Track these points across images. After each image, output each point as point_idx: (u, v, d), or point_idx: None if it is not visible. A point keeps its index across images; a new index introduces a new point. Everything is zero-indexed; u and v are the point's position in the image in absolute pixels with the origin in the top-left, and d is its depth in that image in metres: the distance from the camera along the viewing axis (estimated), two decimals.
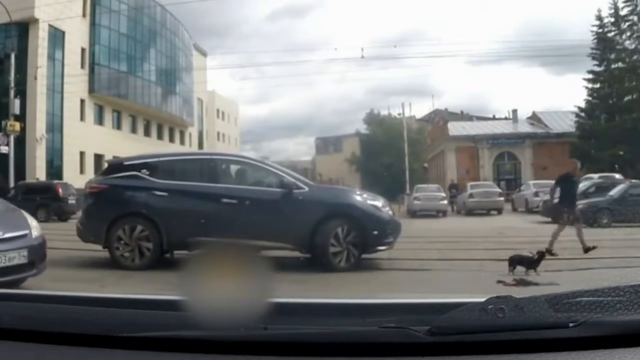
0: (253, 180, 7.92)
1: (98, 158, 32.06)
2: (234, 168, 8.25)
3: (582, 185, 19.39)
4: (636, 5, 35.27)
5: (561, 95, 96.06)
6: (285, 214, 7.29)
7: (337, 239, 7.17)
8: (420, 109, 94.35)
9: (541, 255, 6.36)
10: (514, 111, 44.70)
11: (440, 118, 50.54)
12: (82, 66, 34.41)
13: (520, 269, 6.33)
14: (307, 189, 7.54)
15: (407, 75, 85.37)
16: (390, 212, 8.06)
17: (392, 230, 7.62)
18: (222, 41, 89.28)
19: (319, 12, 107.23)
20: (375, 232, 7.32)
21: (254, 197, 7.35)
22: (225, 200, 7.24)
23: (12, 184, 22.58)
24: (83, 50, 34.49)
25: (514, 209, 24.60)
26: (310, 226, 7.15)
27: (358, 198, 7.80)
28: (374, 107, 66.13)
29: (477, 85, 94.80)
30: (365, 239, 7.26)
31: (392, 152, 46.22)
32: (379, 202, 7.79)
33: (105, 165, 9.39)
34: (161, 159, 8.32)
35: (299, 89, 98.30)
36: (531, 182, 25.98)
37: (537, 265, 6.26)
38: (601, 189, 17.11)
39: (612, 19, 36.14)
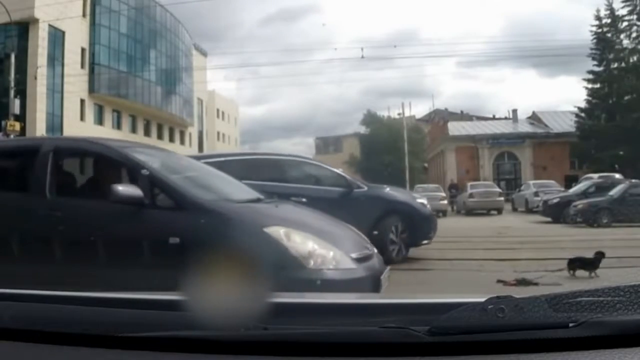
0: (319, 180, 8.31)
1: None
2: (300, 168, 8.67)
3: (582, 185, 19.53)
4: (635, 6, 35.29)
5: (556, 96, 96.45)
6: (349, 211, 7.38)
7: (394, 233, 7.72)
8: (418, 110, 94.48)
9: (600, 256, 6.13)
10: (514, 111, 44.77)
11: (440, 118, 50.55)
12: (82, 66, 34.43)
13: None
14: (366, 188, 8.25)
15: (405, 76, 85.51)
16: (430, 209, 8.96)
17: (433, 226, 8.51)
18: (220, 43, 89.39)
19: (317, 14, 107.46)
20: (423, 228, 8.13)
21: (322, 196, 7.52)
22: (294, 199, 7.40)
23: None
24: (83, 50, 34.50)
25: (514, 209, 24.62)
26: (372, 222, 7.35)
27: (409, 196, 8.87)
28: (372, 108, 66.06)
29: (473, 86, 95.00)
30: (415, 233, 7.96)
31: (392, 152, 46.21)
32: (424, 200, 8.86)
33: None
34: (229, 158, 8.35)
35: (296, 90, 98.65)
36: (531, 182, 26.03)
37: (597, 266, 6.07)
38: (601, 188, 17.13)
39: (609, 20, 36.17)
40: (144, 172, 3.74)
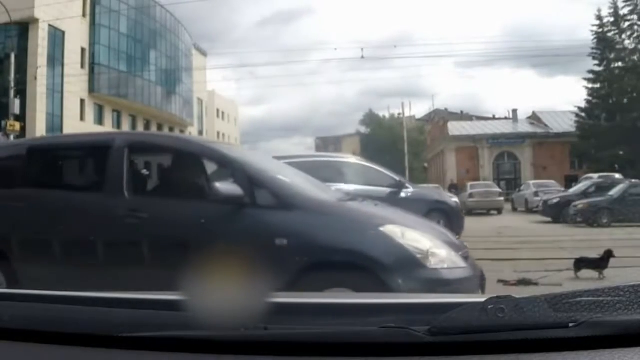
0: (373, 181, 8.88)
1: None
2: (356, 169, 9.35)
3: (582, 185, 19.53)
4: (636, 5, 35.26)
5: (554, 97, 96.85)
6: (400, 207, 7.58)
7: None
8: (418, 110, 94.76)
9: (608, 256, 6.05)
10: (514, 111, 44.70)
11: (440, 118, 50.51)
12: (82, 66, 34.40)
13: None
14: (412, 188, 9.15)
15: (404, 76, 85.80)
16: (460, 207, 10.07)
17: (462, 222, 9.56)
18: (219, 43, 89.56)
19: (317, 15, 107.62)
20: (457, 223, 8.91)
21: (376, 196, 7.81)
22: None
23: None
24: (83, 50, 34.48)
25: (514, 209, 24.62)
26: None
27: (446, 196, 10.05)
28: (371, 109, 66.17)
29: (473, 87, 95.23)
30: (452, 229, 8.22)
31: (393, 152, 46.24)
32: (456, 199, 10.30)
33: None
34: (289, 160, 8.51)
35: (295, 90, 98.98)
36: (531, 182, 26.02)
37: (606, 266, 6.01)
38: (601, 188, 17.13)
39: (612, 19, 36.18)
40: (243, 169, 3.48)
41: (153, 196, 3.85)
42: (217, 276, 1.01)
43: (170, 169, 4.05)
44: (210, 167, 3.97)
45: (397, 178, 9.07)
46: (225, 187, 3.31)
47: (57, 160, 4.30)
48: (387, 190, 8.51)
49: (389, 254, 3.13)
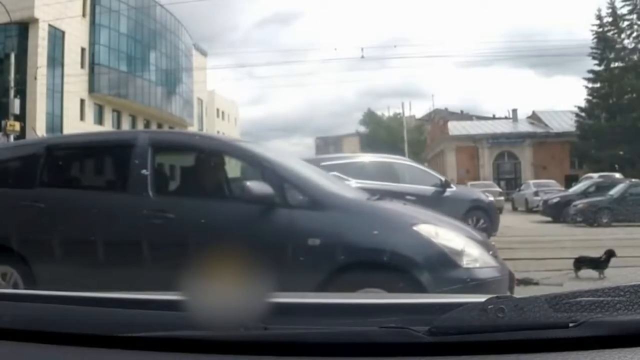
0: (422, 180, 9.47)
1: None
2: (407, 170, 9.84)
3: (582, 185, 19.53)
4: (635, 5, 35.26)
5: (553, 96, 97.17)
6: (443, 207, 7.66)
7: (475, 226, 8.65)
8: (418, 110, 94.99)
9: (609, 256, 6.03)
10: (514, 111, 44.69)
11: (440, 118, 50.49)
12: (82, 66, 34.40)
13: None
14: (455, 187, 9.74)
15: (403, 76, 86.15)
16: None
17: (499, 219, 10.06)
18: (219, 44, 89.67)
19: (316, 15, 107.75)
20: (495, 221, 9.57)
21: (424, 194, 8.57)
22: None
23: None
24: (83, 50, 34.47)
25: (514, 209, 24.62)
26: (461, 215, 8.30)
27: (485, 194, 10.51)
28: (369, 109, 66.25)
29: (471, 87, 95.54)
30: (490, 225, 9.00)
31: (393, 152, 46.29)
32: (493, 198, 10.53)
33: None
34: (340, 161, 9.10)
35: (295, 90, 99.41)
36: (531, 181, 26.04)
37: (606, 266, 5.99)
38: (601, 188, 17.14)
39: (611, 18, 36.18)
40: (273, 168, 3.42)
41: (179, 196, 3.75)
42: (217, 276, 1.01)
43: (196, 168, 3.95)
44: (237, 166, 3.92)
45: (443, 178, 9.69)
46: (256, 186, 3.23)
47: (78, 159, 4.21)
48: (433, 189, 9.08)
49: (424, 253, 3.11)
